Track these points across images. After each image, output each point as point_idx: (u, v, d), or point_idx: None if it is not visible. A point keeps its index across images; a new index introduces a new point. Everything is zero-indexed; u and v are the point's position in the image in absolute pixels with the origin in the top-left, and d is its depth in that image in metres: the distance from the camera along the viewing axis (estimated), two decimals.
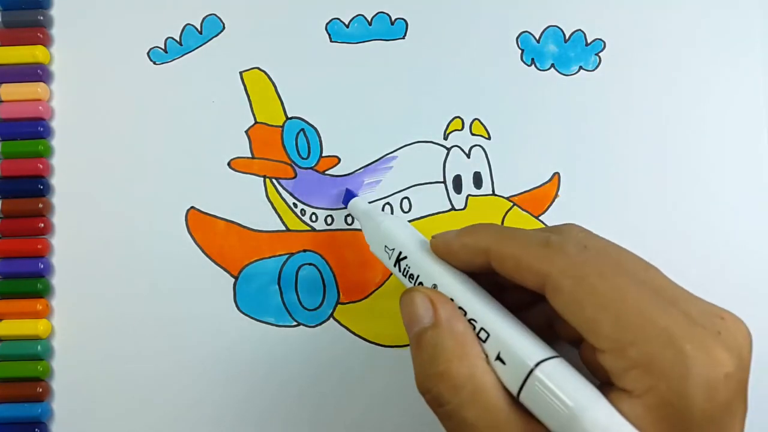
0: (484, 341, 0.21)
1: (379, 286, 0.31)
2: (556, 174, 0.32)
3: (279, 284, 0.31)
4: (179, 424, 0.31)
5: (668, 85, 0.32)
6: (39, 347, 0.31)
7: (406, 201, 0.32)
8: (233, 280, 0.31)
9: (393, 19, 0.33)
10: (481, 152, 0.32)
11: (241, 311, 0.31)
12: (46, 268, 0.31)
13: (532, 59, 0.33)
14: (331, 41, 0.33)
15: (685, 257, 0.32)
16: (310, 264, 0.32)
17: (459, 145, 0.32)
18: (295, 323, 0.31)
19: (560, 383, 0.18)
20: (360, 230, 0.31)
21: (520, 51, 0.33)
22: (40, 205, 0.31)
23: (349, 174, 0.32)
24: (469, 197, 0.32)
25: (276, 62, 0.32)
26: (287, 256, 0.32)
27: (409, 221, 0.31)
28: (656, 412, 0.17)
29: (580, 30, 0.33)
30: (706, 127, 0.32)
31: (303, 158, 0.32)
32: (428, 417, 0.21)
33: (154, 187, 0.32)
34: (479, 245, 0.22)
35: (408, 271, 0.24)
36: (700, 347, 0.17)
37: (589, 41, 0.33)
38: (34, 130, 0.32)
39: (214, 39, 0.33)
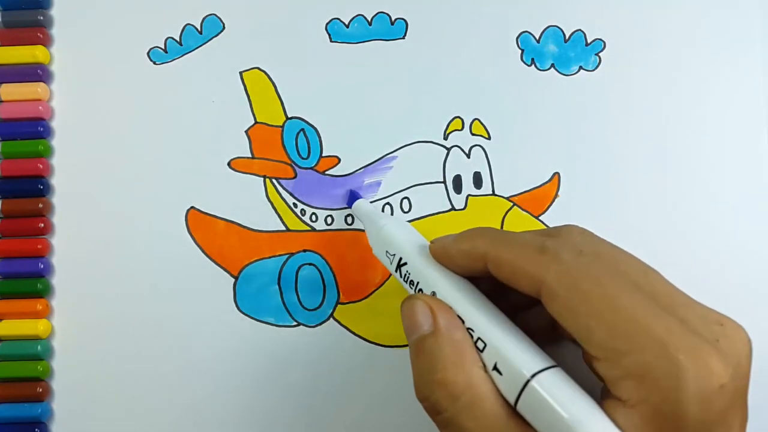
0: (482, 351, 0.21)
1: (379, 286, 0.31)
2: (556, 174, 0.32)
3: (279, 284, 0.31)
4: (179, 424, 0.31)
5: (668, 85, 0.32)
6: (39, 347, 0.31)
7: (406, 201, 0.32)
8: (233, 280, 0.31)
9: (393, 19, 0.33)
10: (481, 152, 0.32)
11: (241, 311, 0.31)
12: (46, 268, 0.31)
13: (532, 59, 0.33)
14: (331, 41, 0.33)
15: (685, 257, 0.31)
16: (310, 264, 0.32)
17: (459, 145, 0.32)
18: (295, 323, 0.31)
19: (556, 395, 0.18)
20: (360, 230, 0.31)
21: (520, 51, 0.33)
22: (40, 205, 0.31)
23: (349, 174, 0.32)
24: (469, 197, 0.32)
25: (276, 62, 0.32)
26: (287, 256, 0.32)
27: (409, 221, 0.31)
28: (651, 423, 0.17)
29: (580, 30, 0.33)
30: (706, 127, 0.32)
31: (303, 158, 0.32)
32: (428, 417, 0.21)
33: (154, 187, 0.32)
34: (476, 251, 0.22)
35: (408, 277, 0.24)
36: (694, 357, 0.17)
37: (589, 41, 0.33)
38: (34, 130, 0.32)
39: (214, 39, 0.33)
